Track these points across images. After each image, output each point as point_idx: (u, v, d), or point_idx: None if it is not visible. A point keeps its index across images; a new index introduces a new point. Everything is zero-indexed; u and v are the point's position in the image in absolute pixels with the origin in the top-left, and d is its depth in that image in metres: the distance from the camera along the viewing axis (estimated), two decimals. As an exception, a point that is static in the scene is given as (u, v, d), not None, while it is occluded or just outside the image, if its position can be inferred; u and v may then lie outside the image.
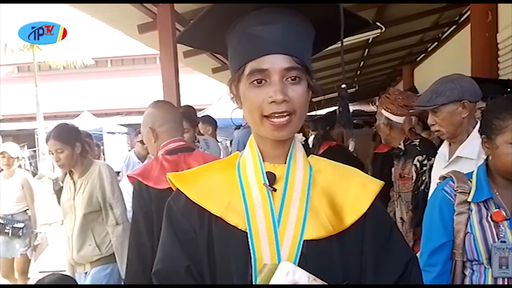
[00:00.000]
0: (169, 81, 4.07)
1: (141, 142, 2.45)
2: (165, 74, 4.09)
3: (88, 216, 2.84)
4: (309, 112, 1.04)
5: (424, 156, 2.62)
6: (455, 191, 1.66)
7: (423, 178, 2.59)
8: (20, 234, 4.44)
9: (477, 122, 2.00)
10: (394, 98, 2.74)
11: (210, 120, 4.93)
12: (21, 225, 4.46)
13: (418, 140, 2.74)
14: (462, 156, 2.10)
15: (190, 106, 4.21)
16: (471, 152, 2.07)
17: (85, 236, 2.85)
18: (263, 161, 1.04)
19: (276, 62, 0.94)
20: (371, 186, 1.06)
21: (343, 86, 1.08)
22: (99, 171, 2.92)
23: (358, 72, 10.42)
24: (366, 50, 7.91)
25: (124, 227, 2.80)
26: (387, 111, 2.76)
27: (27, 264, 4.67)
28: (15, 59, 22.99)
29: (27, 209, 4.62)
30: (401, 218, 2.77)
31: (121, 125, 18.06)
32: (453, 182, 1.68)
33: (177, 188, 1.06)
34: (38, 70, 22.07)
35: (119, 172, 4.71)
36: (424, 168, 2.61)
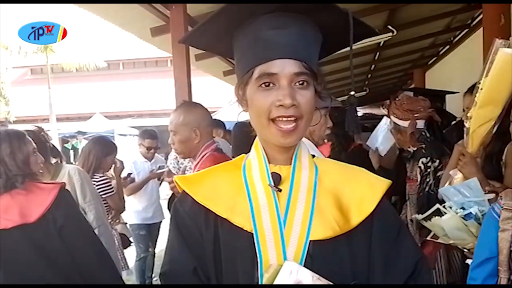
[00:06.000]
0: (181, 84, 4.10)
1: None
2: (178, 77, 4.12)
3: None
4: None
5: (428, 158, 2.63)
6: (501, 207, 1.63)
7: (427, 180, 2.58)
8: None
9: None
10: (400, 104, 2.79)
11: (219, 124, 4.97)
12: None
13: (423, 144, 2.75)
14: None
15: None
16: None
17: None
18: (269, 163, 1.04)
19: (285, 67, 0.94)
20: (378, 185, 1.05)
21: (352, 93, 1.08)
22: (68, 175, 2.77)
23: (369, 75, 10.36)
24: (377, 53, 7.84)
25: (100, 232, 2.65)
26: (394, 116, 2.81)
27: None
28: (28, 61, 23.20)
29: None
30: (410, 220, 2.78)
31: (132, 127, 18.17)
32: (501, 199, 1.65)
33: (183, 190, 1.06)
34: (51, 73, 22.25)
35: (130, 174, 4.71)
36: (429, 170, 2.61)
